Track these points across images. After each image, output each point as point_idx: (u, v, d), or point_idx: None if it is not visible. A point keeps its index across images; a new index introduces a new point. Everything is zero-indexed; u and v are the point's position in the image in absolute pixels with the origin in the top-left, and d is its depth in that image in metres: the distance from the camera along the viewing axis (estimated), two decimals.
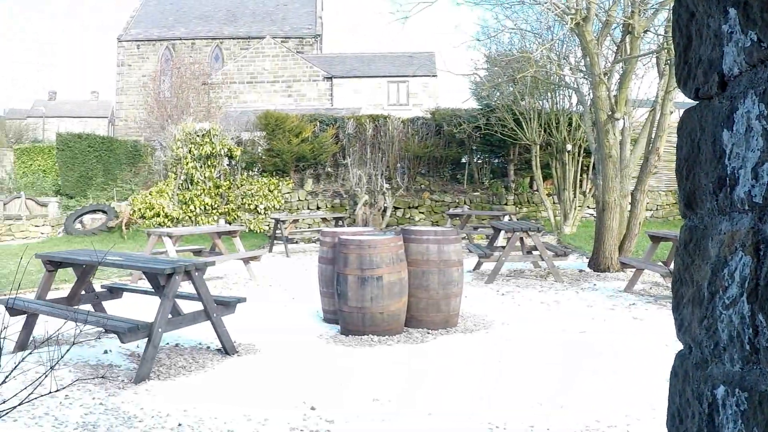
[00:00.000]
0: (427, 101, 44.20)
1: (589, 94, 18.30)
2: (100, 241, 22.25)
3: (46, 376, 4.25)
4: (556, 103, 23.88)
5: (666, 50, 15.17)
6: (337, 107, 43.90)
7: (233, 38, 53.25)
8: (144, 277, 10.81)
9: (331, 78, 48.04)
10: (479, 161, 28.04)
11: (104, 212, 25.82)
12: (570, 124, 23.22)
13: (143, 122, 42.43)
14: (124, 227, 24.46)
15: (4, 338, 3.69)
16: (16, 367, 3.39)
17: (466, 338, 9.40)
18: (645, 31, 15.47)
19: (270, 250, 20.56)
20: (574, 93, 20.65)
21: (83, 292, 9.07)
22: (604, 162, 15.44)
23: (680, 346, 1.68)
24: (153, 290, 8.47)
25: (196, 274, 7.95)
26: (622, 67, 16.37)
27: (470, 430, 5.86)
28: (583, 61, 17.58)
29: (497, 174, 27.74)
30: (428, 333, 9.67)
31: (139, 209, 25.33)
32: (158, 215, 25.02)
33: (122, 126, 52.22)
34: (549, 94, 23.85)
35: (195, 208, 25.15)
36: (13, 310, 8.16)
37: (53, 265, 8.67)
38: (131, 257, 9.08)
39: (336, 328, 9.98)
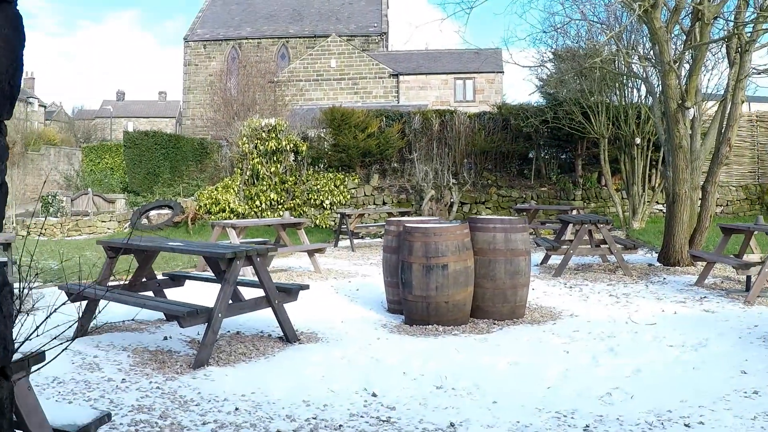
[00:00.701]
0: (493, 97, 43.93)
1: (658, 85, 17.91)
2: (166, 236, 22.35)
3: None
4: (625, 96, 23.43)
5: (737, 36, 14.73)
6: (404, 104, 43.72)
7: (299, 37, 53.53)
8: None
9: (397, 75, 47.98)
10: (546, 156, 27.66)
11: (170, 207, 26.01)
12: (638, 117, 22.74)
13: (210, 121, 42.77)
14: (190, 222, 24.62)
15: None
16: (39, 325, 3.28)
17: (534, 329, 9.15)
18: (715, 18, 15.06)
19: (335, 245, 20.46)
20: (643, 84, 20.23)
21: (144, 280, 9.00)
22: (674, 152, 15.06)
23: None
24: (215, 277, 8.37)
25: (258, 259, 7.83)
26: (692, 55, 15.97)
27: (537, 419, 5.65)
28: (651, 51, 17.20)
29: (565, 169, 27.34)
30: (494, 324, 9.44)
31: (205, 204, 25.48)
32: (224, 210, 25.13)
33: (189, 125, 52.81)
34: (617, 87, 23.42)
35: (261, 204, 25.19)
36: (72, 296, 8.12)
37: (114, 251, 8.60)
38: (192, 244, 9.01)
39: (400, 318, 9.80)
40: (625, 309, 10.42)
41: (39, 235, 24.39)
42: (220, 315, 7.27)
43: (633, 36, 21.20)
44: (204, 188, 27.15)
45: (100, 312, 4.82)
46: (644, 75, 19.04)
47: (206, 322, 7.19)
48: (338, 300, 11.40)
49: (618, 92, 23.49)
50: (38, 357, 3.54)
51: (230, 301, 7.74)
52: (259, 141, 25.79)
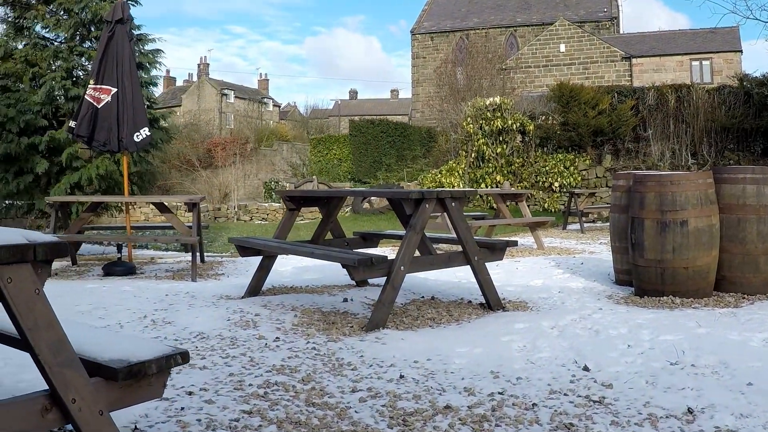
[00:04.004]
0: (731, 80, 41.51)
1: None
2: (387, 220, 21.76)
3: None
4: None
5: None
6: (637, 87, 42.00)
7: (527, 25, 53.13)
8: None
9: (629, 58, 46.32)
10: None
11: None
12: None
13: (437, 112, 42.37)
14: None
15: None
16: None
17: None
18: None
19: (564, 227, 19.02)
20: None
21: (330, 237, 7.86)
22: None
23: None
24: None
25: (453, 204, 6.45)
26: None
27: None
28: None
29: None
30: (744, 298, 7.54)
31: (429, 188, 24.52)
32: None
33: (419, 117, 53.37)
34: None
35: (486, 187, 23.99)
36: (245, 249, 7.13)
37: (294, 202, 7.50)
38: (379, 190, 7.85)
39: (629, 290, 8.16)
40: None
41: (261, 220, 24.37)
42: (402, 268, 5.96)
43: None
44: (428, 172, 26.37)
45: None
46: None
47: (385, 275, 5.92)
48: (558, 272, 9.90)
49: None
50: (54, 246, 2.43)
51: (418, 254, 6.44)
52: (484, 121, 24.73)
